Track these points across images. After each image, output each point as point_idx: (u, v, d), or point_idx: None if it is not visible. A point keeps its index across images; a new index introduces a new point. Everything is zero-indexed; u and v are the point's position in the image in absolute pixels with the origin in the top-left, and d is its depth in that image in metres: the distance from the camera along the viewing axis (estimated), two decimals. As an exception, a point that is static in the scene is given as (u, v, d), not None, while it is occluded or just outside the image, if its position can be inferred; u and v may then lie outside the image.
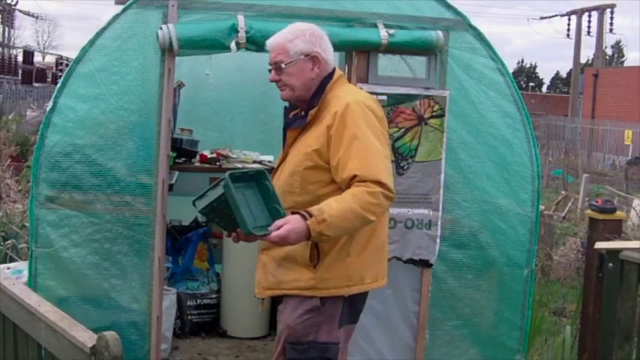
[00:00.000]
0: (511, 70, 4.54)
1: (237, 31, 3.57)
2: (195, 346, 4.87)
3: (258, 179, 2.83)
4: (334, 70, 3.03)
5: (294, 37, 2.99)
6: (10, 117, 16.10)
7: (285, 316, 2.98)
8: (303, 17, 3.71)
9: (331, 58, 3.04)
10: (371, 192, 2.75)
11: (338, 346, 2.96)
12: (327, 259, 2.89)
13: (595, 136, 27.55)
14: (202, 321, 5.05)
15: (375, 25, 3.78)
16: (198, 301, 5.05)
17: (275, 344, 3.09)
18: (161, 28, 3.59)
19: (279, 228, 2.68)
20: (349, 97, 2.91)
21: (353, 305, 3.01)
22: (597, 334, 4.24)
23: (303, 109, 2.99)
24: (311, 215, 2.70)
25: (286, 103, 3.10)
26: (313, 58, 2.97)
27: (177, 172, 4.84)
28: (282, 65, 2.96)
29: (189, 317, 5.00)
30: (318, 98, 2.95)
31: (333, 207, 2.72)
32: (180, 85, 5.19)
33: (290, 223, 2.69)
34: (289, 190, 2.92)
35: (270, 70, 3.01)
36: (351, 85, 3.08)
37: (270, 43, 3.02)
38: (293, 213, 2.75)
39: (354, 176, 2.78)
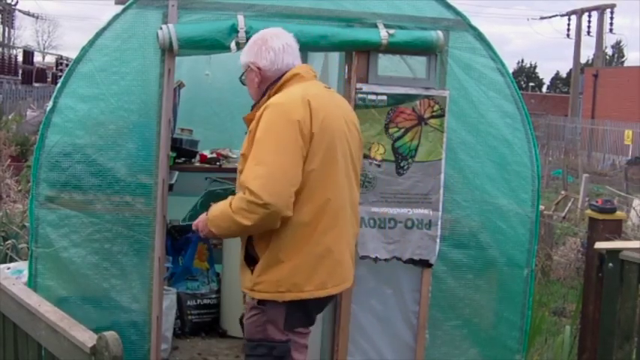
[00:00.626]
0: (511, 70, 4.54)
1: (237, 31, 3.57)
2: (195, 346, 4.88)
3: None
4: (286, 72, 3.09)
5: (245, 48, 3.24)
6: (10, 117, 16.11)
7: (245, 320, 3.15)
8: (302, 17, 3.72)
9: (281, 61, 3.09)
10: (242, 198, 2.87)
11: (287, 344, 3.02)
12: (260, 264, 2.99)
13: (595, 136, 27.56)
14: (202, 321, 5.05)
15: (375, 25, 3.78)
16: (198, 301, 5.05)
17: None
18: (161, 28, 3.59)
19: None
20: (273, 100, 3.00)
21: (304, 310, 3.05)
22: (597, 334, 4.24)
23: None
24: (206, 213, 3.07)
25: None
26: (254, 69, 3.13)
27: (177, 172, 4.84)
28: (242, 76, 3.24)
29: (189, 317, 5.00)
30: (257, 103, 3.15)
31: (217, 208, 3.01)
32: (181, 85, 5.18)
33: (200, 218, 3.11)
34: (239, 188, 3.01)
35: None
36: (300, 84, 3.07)
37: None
38: None
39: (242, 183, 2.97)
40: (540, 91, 58.36)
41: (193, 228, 3.16)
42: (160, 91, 3.65)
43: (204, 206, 3.58)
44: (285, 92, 3.05)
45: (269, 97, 3.05)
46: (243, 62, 3.18)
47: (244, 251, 3.08)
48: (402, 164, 3.83)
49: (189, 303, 5.00)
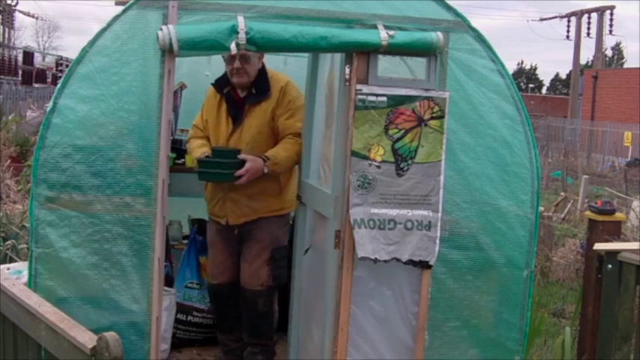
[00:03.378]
0: (511, 72, 4.54)
1: (238, 32, 3.56)
2: (194, 346, 4.88)
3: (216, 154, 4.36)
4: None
5: None
6: (10, 117, 16.09)
7: (269, 231, 4.50)
8: (303, 18, 3.72)
9: None
10: (298, 142, 4.45)
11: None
12: (283, 191, 4.55)
13: (594, 138, 27.58)
14: (188, 338, 4.89)
15: (375, 27, 3.78)
16: (189, 317, 4.86)
17: (253, 257, 4.50)
18: (161, 29, 3.59)
19: (244, 173, 4.25)
20: (284, 77, 4.58)
21: None
22: (596, 336, 4.24)
23: (246, 88, 4.48)
24: (268, 159, 4.32)
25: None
26: (262, 55, 4.46)
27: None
28: (250, 58, 4.37)
29: (173, 330, 4.72)
30: (266, 81, 4.48)
31: (280, 154, 4.36)
32: (182, 87, 5.19)
33: (252, 167, 4.26)
34: (257, 145, 4.41)
35: (226, 59, 4.44)
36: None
37: None
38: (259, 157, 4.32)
39: (296, 132, 4.43)
40: (540, 92, 58.42)
41: (244, 181, 4.26)
42: (160, 92, 3.65)
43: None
44: (276, 72, 4.65)
45: (264, 77, 4.49)
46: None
47: (262, 186, 4.41)
48: (401, 165, 3.83)
49: (178, 316, 4.76)
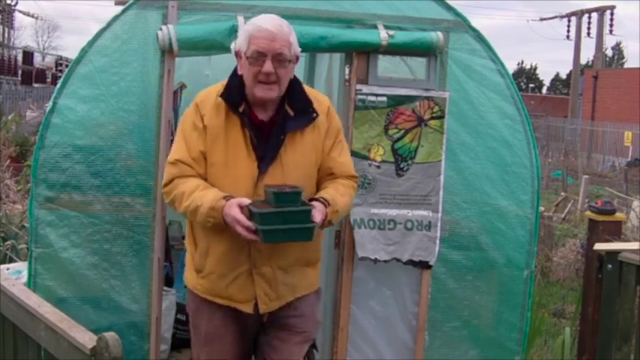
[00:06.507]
0: (511, 72, 4.53)
1: (237, 32, 3.56)
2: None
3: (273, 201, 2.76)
4: None
5: (291, 31, 2.89)
6: (9, 117, 16.08)
7: (310, 316, 3.11)
8: (302, 18, 3.71)
9: None
10: (354, 186, 3.08)
11: None
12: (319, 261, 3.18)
13: (595, 138, 27.57)
14: (187, 338, 4.81)
15: (375, 26, 3.78)
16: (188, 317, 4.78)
17: (287, 354, 3.07)
18: (161, 29, 3.59)
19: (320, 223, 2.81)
20: (327, 99, 3.09)
21: None
22: (596, 336, 4.24)
23: (270, 107, 2.92)
24: (328, 203, 2.85)
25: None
26: (297, 59, 2.95)
27: None
28: (287, 60, 2.84)
29: (173, 331, 4.55)
30: (305, 96, 2.96)
31: (339, 199, 2.91)
32: (182, 87, 5.18)
33: (320, 211, 2.80)
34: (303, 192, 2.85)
35: (250, 58, 2.82)
36: None
37: (273, 30, 2.80)
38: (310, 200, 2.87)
39: (353, 174, 3.09)
40: (540, 92, 58.42)
41: (318, 221, 2.78)
42: (160, 92, 3.65)
43: None
44: (312, 88, 3.16)
45: (299, 91, 2.96)
46: (295, 52, 2.88)
47: (299, 254, 2.98)
48: (401, 165, 3.83)
49: (178, 316, 4.61)
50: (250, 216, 2.71)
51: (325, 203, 2.83)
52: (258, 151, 2.88)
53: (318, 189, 2.98)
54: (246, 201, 2.75)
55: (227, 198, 2.77)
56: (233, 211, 2.71)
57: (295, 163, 2.90)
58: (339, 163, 3.01)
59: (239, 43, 2.87)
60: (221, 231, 2.83)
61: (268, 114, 2.92)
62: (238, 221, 2.70)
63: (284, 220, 2.69)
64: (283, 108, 2.91)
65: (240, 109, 2.88)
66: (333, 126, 3.01)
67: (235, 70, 2.94)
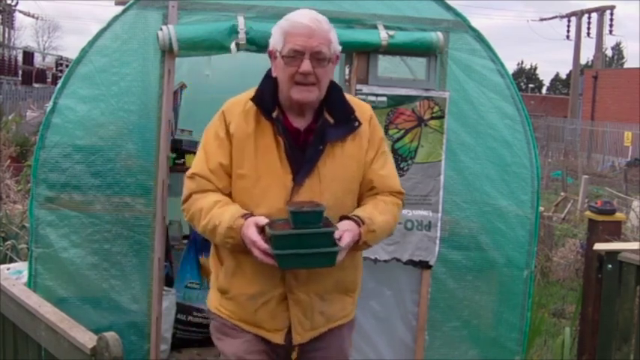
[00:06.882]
0: (511, 72, 4.54)
1: (237, 32, 3.57)
2: (194, 346, 4.87)
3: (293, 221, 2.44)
4: None
5: (331, 28, 2.60)
6: (10, 117, 16.08)
7: (341, 349, 2.76)
8: (303, 18, 3.71)
9: None
10: (399, 204, 2.74)
11: None
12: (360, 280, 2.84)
13: (594, 138, 27.57)
14: (189, 338, 4.77)
15: (375, 27, 3.79)
16: (189, 317, 4.74)
17: None
18: (161, 29, 3.59)
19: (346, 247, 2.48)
20: (370, 108, 2.79)
21: None
22: (597, 336, 4.24)
23: (307, 113, 2.62)
24: (362, 222, 2.53)
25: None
26: (337, 58, 2.63)
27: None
28: (327, 60, 2.55)
29: (174, 331, 4.57)
30: (345, 101, 2.67)
31: (377, 218, 2.58)
32: (182, 87, 5.18)
33: (349, 231, 2.49)
34: (341, 210, 2.59)
35: (286, 57, 2.52)
36: None
37: (311, 25, 2.52)
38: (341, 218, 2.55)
39: (399, 190, 2.75)
40: (540, 92, 58.43)
41: (344, 245, 2.45)
42: (160, 92, 3.65)
43: None
44: (350, 95, 2.86)
45: (339, 96, 2.66)
46: (335, 51, 2.59)
47: (337, 279, 2.66)
48: (401, 165, 3.83)
49: (178, 316, 4.61)
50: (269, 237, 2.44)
51: (359, 222, 2.52)
52: (293, 162, 2.56)
53: (358, 206, 2.68)
54: (264, 220, 2.46)
55: (246, 216, 2.48)
56: (250, 231, 2.43)
57: (334, 175, 2.60)
58: (381, 176, 2.68)
59: (273, 42, 2.59)
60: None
61: (305, 121, 2.62)
62: (254, 243, 2.42)
63: (301, 243, 2.38)
64: (322, 115, 2.61)
65: (274, 115, 2.59)
66: (375, 136, 2.70)
67: (268, 73, 2.65)
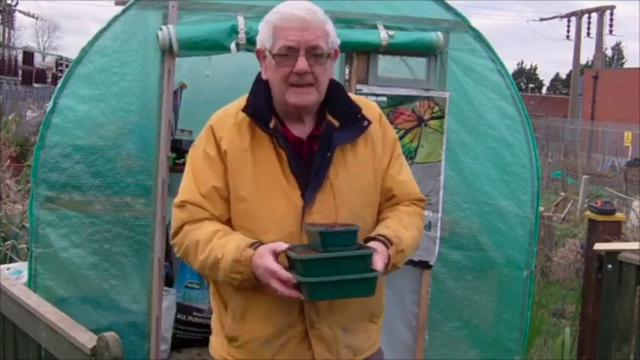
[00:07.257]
0: (511, 72, 4.54)
1: (237, 32, 3.57)
2: (194, 346, 4.86)
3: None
4: None
5: (327, 19, 2.26)
6: (10, 117, 16.08)
7: None
8: (303, 18, 3.71)
9: None
10: (422, 214, 2.42)
11: None
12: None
13: (594, 138, 27.58)
14: (189, 338, 4.79)
15: (375, 27, 3.79)
16: (189, 317, 4.76)
17: None
18: (161, 29, 3.59)
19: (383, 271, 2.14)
20: (377, 106, 2.47)
21: None
22: (597, 336, 4.24)
23: (306, 118, 2.27)
24: (391, 242, 2.19)
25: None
26: (336, 54, 2.29)
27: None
28: (325, 55, 2.20)
29: (174, 331, 4.58)
30: (349, 100, 2.32)
31: (404, 235, 2.24)
32: (182, 87, 5.18)
33: (380, 253, 2.13)
34: (360, 225, 2.18)
35: (277, 56, 2.17)
36: None
37: (305, 16, 2.18)
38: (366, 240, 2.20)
39: (420, 197, 2.42)
40: (540, 92, 58.44)
41: (380, 270, 2.10)
42: (160, 92, 3.65)
43: None
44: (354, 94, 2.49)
45: (342, 96, 2.32)
46: (333, 45, 2.26)
47: (361, 306, 2.30)
48: (401, 165, 3.83)
49: (178, 316, 4.62)
50: (290, 265, 2.07)
51: (387, 243, 2.18)
52: (299, 176, 2.20)
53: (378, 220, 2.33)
54: (283, 245, 2.07)
55: (255, 245, 2.10)
56: (265, 260, 2.04)
57: (350, 187, 2.23)
58: (401, 182, 2.34)
59: (261, 40, 2.23)
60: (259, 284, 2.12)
61: (307, 128, 2.27)
62: (273, 273, 2.02)
63: (336, 269, 2.01)
64: (325, 119, 2.27)
65: (271, 125, 2.22)
66: (388, 137, 2.36)
67: (259, 77, 2.30)
